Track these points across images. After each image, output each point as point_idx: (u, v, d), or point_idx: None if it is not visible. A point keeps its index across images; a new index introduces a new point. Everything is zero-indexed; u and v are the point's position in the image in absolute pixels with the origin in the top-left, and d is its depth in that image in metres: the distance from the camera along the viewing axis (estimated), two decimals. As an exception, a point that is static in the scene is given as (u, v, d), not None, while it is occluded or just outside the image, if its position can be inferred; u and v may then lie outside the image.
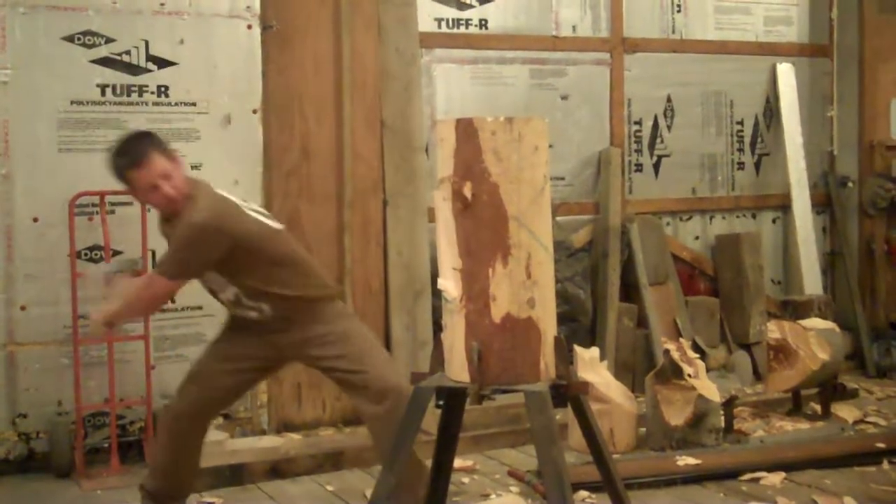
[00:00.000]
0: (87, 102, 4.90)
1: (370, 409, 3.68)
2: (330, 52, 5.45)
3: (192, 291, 4.94)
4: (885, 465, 4.71)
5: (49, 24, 4.82)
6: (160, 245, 4.88)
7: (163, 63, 5.04)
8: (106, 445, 4.87)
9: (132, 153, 3.60)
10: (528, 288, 2.89)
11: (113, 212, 4.90)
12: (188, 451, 3.86)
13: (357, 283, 5.48)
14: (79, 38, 4.88)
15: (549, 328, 2.94)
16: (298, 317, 3.72)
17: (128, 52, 4.97)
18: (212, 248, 3.54)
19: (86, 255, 4.89)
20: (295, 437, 5.17)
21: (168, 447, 3.82)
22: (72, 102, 4.86)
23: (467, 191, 2.88)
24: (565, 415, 4.31)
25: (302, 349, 3.76)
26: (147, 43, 5.01)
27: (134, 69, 4.97)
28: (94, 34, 4.91)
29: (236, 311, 3.78)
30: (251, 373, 3.87)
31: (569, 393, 2.97)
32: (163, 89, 5.03)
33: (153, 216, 4.90)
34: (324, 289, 3.84)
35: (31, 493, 4.58)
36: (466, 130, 2.88)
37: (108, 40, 4.94)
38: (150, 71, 5.01)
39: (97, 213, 4.87)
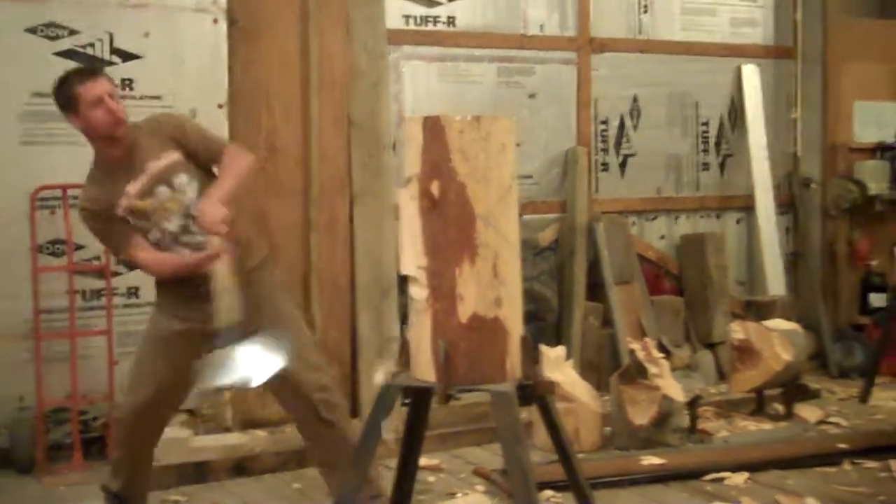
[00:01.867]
0: (50, 95, 4.80)
1: (310, 377, 3.69)
2: (297, 48, 5.40)
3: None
4: (847, 465, 4.76)
5: (11, 16, 4.77)
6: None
7: (127, 56, 5.00)
8: (68, 441, 4.83)
9: (81, 70, 3.75)
10: (496, 287, 2.87)
11: (75, 205, 4.84)
12: (144, 451, 3.82)
13: (324, 281, 5.45)
14: (42, 30, 4.83)
15: (515, 328, 2.93)
16: (249, 258, 3.68)
17: (92, 45, 4.92)
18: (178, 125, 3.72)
19: (47, 249, 4.84)
20: (260, 433, 5.12)
21: (125, 445, 3.78)
22: (34, 95, 4.80)
23: (434, 189, 2.86)
24: (531, 413, 4.31)
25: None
26: (111, 35, 4.97)
27: (98, 61, 4.91)
28: (57, 26, 4.86)
29: (175, 247, 3.63)
30: (189, 354, 3.63)
31: (535, 393, 2.97)
32: (127, 82, 4.98)
33: (117, 211, 4.90)
34: (263, 239, 3.82)
35: (-9, 489, 4.53)
36: (433, 129, 2.87)
37: (72, 32, 4.89)
38: (114, 64, 4.97)
39: (59, 206, 4.83)
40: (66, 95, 3.59)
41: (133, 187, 3.59)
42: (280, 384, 3.69)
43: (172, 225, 3.61)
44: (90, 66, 3.79)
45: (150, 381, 3.69)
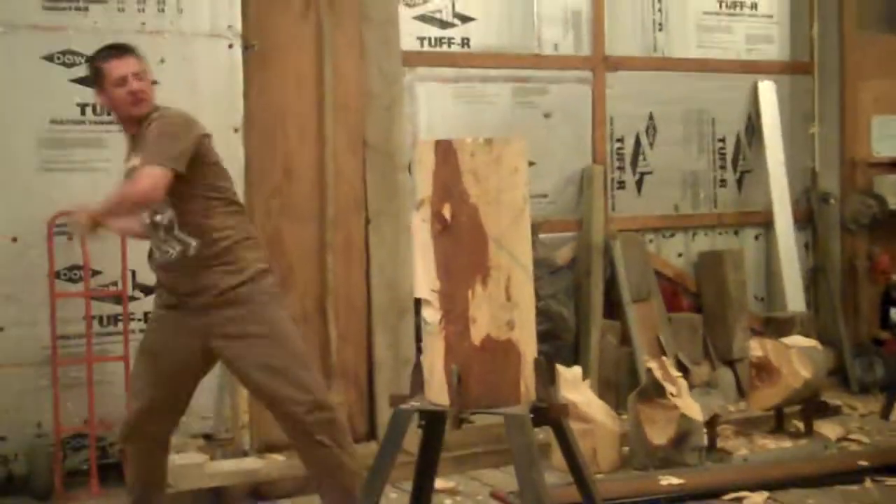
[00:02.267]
0: (67, 122, 4.88)
1: (293, 394, 3.71)
2: (312, 71, 5.43)
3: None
4: (868, 483, 4.72)
5: (29, 44, 4.80)
6: (139, 265, 4.89)
7: (144, 82, 5.01)
8: (85, 468, 4.82)
9: (112, 47, 3.81)
10: (508, 310, 2.88)
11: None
12: (153, 464, 3.88)
13: (340, 302, 5.46)
14: (59, 58, 4.87)
15: (529, 350, 2.93)
16: (219, 264, 3.71)
17: (108, 72, 4.94)
18: (190, 137, 3.65)
19: (65, 275, 4.86)
20: (277, 458, 5.12)
21: (134, 464, 3.85)
22: (51, 122, 4.84)
23: (446, 212, 2.87)
24: (548, 434, 4.29)
25: (222, 327, 3.70)
26: (128, 62, 4.98)
27: (114, 88, 4.94)
28: (74, 53, 4.89)
29: (163, 245, 3.73)
30: (180, 360, 3.78)
31: (549, 415, 2.96)
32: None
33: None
34: (259, 251, 3.83)
35: (9, 516, 4.54)
36: (445, 152, 2.88)
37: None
38: (131, 90, 4.98)
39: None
40: (94, 71, 3.79)
41: (127, 165, 3.80)
42: (260, 398, 3.74)
43: (165, 218, 3.72)
44: (121, 44, 3.85)
45: (139, 395, 3.79)
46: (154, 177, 3.52)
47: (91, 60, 3.83)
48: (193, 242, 3.68)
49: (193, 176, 3.64)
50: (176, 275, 3.74)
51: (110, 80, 3.69)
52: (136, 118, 3.72)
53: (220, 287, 3.69)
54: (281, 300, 3.95)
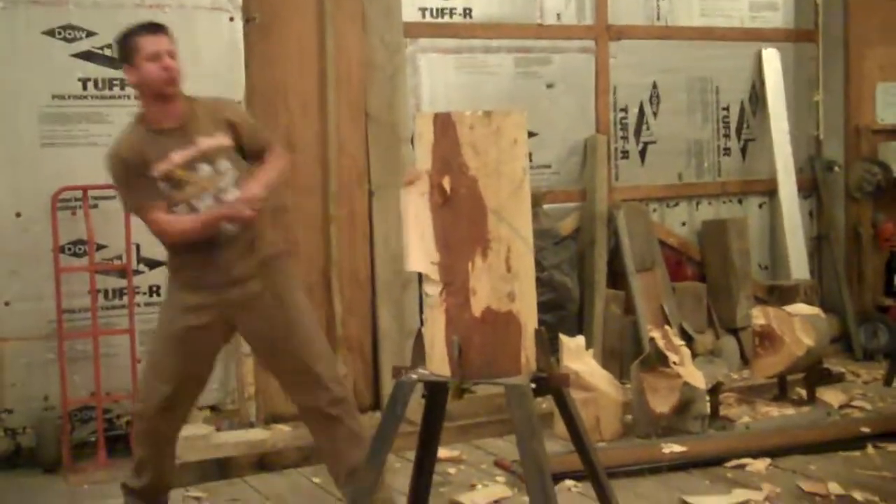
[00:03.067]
0: (69, 97, 4.89)
1: (316, 367, 3.73)
2: (314, 43, 5.43)
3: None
4: (870, 449, 4.74)
5: (29, 19, 4.80)
6: (144, 239, 4.92)
7: (145, 56, 5.01)
8: (93, 440, 4.87)
9: (145, 24, 3.73)
10: (509, 281, 2.88)
11: (96, 206, 4.89)
12: (167, 446, 3.85)
13: (344, 275, 5.48)
14: (59, 33, 4.87)
15: (529, 321, 2.94)
16: (264, 244, 3.74)
17: (109, 46, 4.93)
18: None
19: (69, 249, 4.89)
20: (283, 428, 5.17)
21: (145, 444, 3.80)
22: (53, 97, 4.85)
23: (446, 184, 2.87)
24: (551, 403, 4.32)
25: (252, 305, 3.71)
26: (128, 36, 4.98)
27: (115, 63, 4.89)
28: (74, 28, 4.89)
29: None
30: (205, 347, 3.77)
31: (550, 385, 2.98)
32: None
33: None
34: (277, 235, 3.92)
35: (17, 488, 4.59)
36: (444, 125, 2.87)
37: (90, 34, 4.92)
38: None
39: (80, 207, 4.87)
40: (125, 46, 3.68)
41: (178, 156, 3.62)
42: (292, 375, 3.74)
43: (202, 204, 3.64)
44: (154, 22, 3.78)
45: (167, 380, 3.71)
46: (285, 150, 3.78)
47: (122, 35, 3.70)
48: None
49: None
50: (232, 249, 3.68)
51: (143, 53, 3.59)
52: (167, 99, 3.63)
53: (274, 242, 3.80)
54: (299, 280, 4.06)
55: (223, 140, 3.68)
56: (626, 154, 6.56)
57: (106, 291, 4.97)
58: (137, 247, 4.94)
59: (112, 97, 4.95)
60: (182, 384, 3.74)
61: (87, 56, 4.91)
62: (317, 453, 4.27)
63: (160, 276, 5.01)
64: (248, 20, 5.23)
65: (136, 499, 3.84)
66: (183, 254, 3.70)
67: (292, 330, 3.75)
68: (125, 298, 4.94)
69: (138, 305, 4.99)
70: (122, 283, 4.96)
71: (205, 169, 3.64)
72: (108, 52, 4.92)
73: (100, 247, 4.91)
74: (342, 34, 5.46)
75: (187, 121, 3.66)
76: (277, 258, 3.81)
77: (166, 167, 3.61)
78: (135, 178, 3.63)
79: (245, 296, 3.69)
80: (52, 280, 4.77)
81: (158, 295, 5.00)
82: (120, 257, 4.93)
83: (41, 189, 4.78)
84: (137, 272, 5.00)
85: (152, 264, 5.01)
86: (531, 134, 6.00)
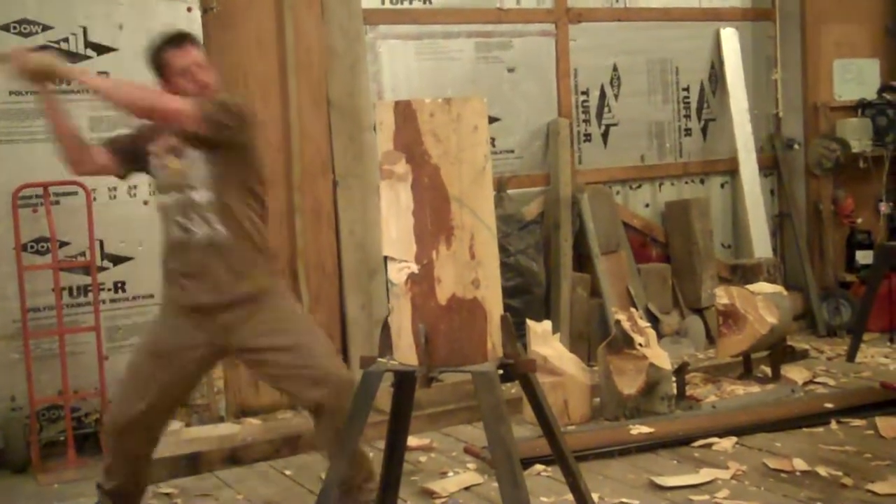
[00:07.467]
0: (27, 93, 4.81)
1: (309, 395, 3.66)
2: (273, 31, 5.41)
3: (143, 280, 4.96)
4: (834, 425, 4.81)
5: (-17, 14, 4.74)
6: (107, 235, 4.88)
7: (102, 49, 4.98)
8: (62, 439, 4.84)
9: (170, 38, 3.70)
10: (473, 268, 2.89)
11: (58, 203, 4.85)
12: (140, 456, 3.75)
13: (310, 265, 5.47)
14: (15, 27, 4.81)
15: (495, 308, 2.96)
16: (246, 263, 3.66)
17: (66, 40, 4.90)
18: (240, 124, 3.56)
19: (32, 247, 4.84)
20: (253, 422, 5.17)
21: (115, 454, 3.71)
22: (10, 93, 4.79)
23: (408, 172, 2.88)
24: (520, 389, 4.34)
25: (243, 331, 3.64)
26: (85, 29, 4.94)
27: (73, 57, 4.89)
28: (30, 22, 4.84)
29: (190, 223, 3.61)
30: (190, 366, 3.68)
31: (517, 371, 3.00)
32: (103, 75, 4.96)
33: (99, 205, 4.90)
34: (273, 255, 3.83)
35: (-13, 489, 4.55)
36: (405, 113, 2.88)
37: (45, 28, 4.87)
38: (89, 58, 4.94)
39: (41, 204, 4.82)
40: (155, 63, 3.68)
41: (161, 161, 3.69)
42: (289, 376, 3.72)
43: (202, 196, 3.60)
44: (179, 33, 3.74)
45: (144, 395, 3.62)
46: (187, 105, 3.44)
47: (150, 52, 3.68)
48: (220, 228, 3.59)
49: (239, 168, 3.61)
50: (196, 259, 3.61)
51: (173, 70, 3.60)
52: None
53: (256, 283, 3.66)
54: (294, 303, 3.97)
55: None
56: (588, 137, 6.58)
57: (70, 289, 4.92)
58: (101, 243, 4.91)
59: (71, 91, 4.86)
60: (158, 403, 3.64)
61: (43, 50, 4.84)
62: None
63: (125, 272, 5.01)
64: (206, 10, 5.19)
65: (109, 499, 3.79)
66: (166, 268, 3.71)
67: (276, 369, 3.68)
68: (90, 295, 4.90)
69: (103, 302, 4.95)
70: (87, 280, 4.91)
71: (175, 161, 3.64)
72: (64, 45, 4.88)
73: (62, 244, 4.86)
74: (301, 21, 5.44)
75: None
76: (268, 294, 3.69)
77: (154, 148, 3.70)
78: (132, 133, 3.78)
79: (233, 323, 3.63)
80: (16, 279, 4.72)
81: (123, 291, 4.98)
82: (83, 254, 4.89)
83: (1, 186, 4.73)
84: (102, 269, 4.96)
85: (116, 260, 4.98)
86: (493, 119, 6.01)
